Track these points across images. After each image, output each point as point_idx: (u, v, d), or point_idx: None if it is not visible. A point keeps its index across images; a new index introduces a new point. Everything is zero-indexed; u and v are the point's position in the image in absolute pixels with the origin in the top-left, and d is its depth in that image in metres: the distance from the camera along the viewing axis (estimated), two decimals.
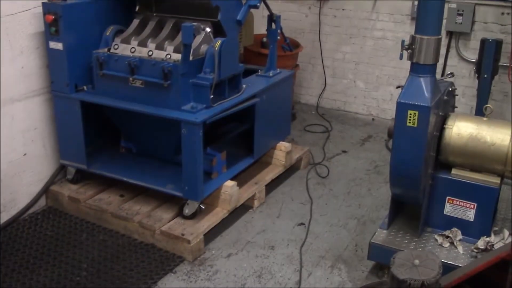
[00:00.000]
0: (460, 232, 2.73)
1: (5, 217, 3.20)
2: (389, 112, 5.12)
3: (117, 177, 3.31)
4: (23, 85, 3.18)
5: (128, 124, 3.38)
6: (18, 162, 3.24)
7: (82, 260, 2.93)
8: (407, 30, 4.81)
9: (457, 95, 2.97)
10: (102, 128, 3.58)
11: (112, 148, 3.63)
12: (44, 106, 3.34)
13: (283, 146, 3.83)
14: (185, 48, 2.90)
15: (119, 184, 3.43)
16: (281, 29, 3.79)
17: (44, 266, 2.87)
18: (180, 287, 2.77)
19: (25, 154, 3.27)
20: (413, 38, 2.49)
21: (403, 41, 2.53)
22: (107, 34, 3.23)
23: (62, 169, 3.49)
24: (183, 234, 2.97)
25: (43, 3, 3.07)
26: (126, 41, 3.19)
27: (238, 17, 3.19)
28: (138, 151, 3.54)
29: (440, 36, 2.49)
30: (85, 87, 3.25)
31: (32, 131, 3.29)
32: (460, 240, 2.72)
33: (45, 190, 3.43)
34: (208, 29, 3.06)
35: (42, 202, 3.44)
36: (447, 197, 2.74)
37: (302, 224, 3.36)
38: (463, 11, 4.42)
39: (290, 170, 3.97)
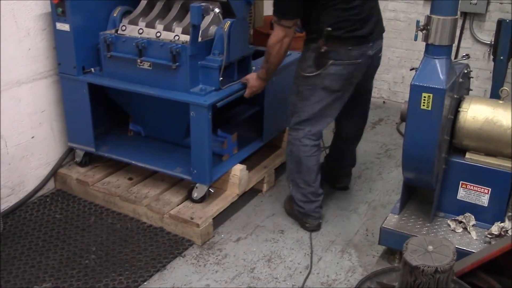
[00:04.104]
0: (473, 217, 2.69)
1: (14, 200, 3.20)
2: (401, 95, 5.05)
3: (126, 160, 3.29)
4: (30, 67, 3.15)
5: (137, 107, 3.34)
6: (26, 145, 3.22)
7: (91, 243, 2.92)
8: (420, 11, 4.71)
9: (472, 77, 2.90)
10: (110, 110, 3.55)
11: (120, 131, 3.61)
12: (52, 89, 3.31)
13: None
14: (193, 29, 2.84)
15: (128, 167, 3.41)
16: None
17: (53, 249, 2.86)
18: (189, 271, 2.75)
19: (33, 137, 3.25)
20: (428, 18, 2.42)
21: (418, 22, 2.46)
22: (115, 15, 3.18)
23: (70, 152, 3.48)
24: (192, 218, 2.94)
25: None
26: (134, 22, 3.14)
27: None
28: (147, 135, 3.51)
29: (456, 16, 2.41)
30: (92, 69, 3.21)
31: (40, 113, 3.27)
32: (473, 225, 2.67)
33: (54, 173, 3.42)
34: (217, 10, 2.99)
35: (50, 185, 3.43)
36: (461, 182, 2.68)
37: None
38: None
39: None
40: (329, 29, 2.59)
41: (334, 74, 2.72)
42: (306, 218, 3.06)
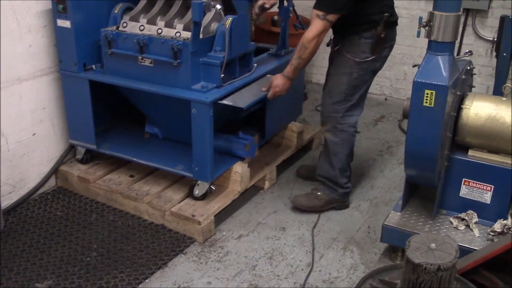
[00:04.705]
0: (476, 214, 2.68)
1: (15, 197, 3.20)
2: (403, 92, 5.04)
3: (127, 158, 3.28)
4: (31, 64, 3.14)
5: (154, 108, 3.26)
6: (27, 142, 3.21)
7: (92, 240, 2.91)
8: (422, 7, 4.69)
9: (474, 74, 2.89)
10: (111, 107, 3.55)
11: (122, 128, 3.60)
12: (53, 86, 3.30)
13: (294, 126, 3.77)
14: (195, 26, 2.83)
15: (129, 165, 3.41)
16: (293, 6, 3.70)
17: (54, 246, 2.86)
18: (190, 268, 2.75)
19: (34, 134, 3.24)
20: (431, 15, 2.40)
21: (420, 18, 2.45)
22: (116, 12, 3.16)
23: (71, 149, 3.47)
24: (193, 215, 2.94)
25: None
26: (135, 19, 3.13)
27: None
28: (164, 137, 3.42)
29: (459, 13, 2.39)
30: (93, 66, 3.20)
31: (41, 110, 3.26)
32: (476, 222, 2.66)
33: (55, 170, 3.41)
34: (218, 6, 2.98)
35: (52, 182, 3.43)
36: (463, 179, 2.67)
37: None
38: None
39: (301, 151, 3.92)
40: (387, 15, 2.84)
41: (385, 56, 3.03)
42: (348, 197, 3.30)
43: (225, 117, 3.26)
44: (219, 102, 2.91)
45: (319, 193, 3.24)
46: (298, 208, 3.23)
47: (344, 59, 2.98)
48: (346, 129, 3.09)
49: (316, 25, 2.78)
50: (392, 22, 2.94)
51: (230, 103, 2.90)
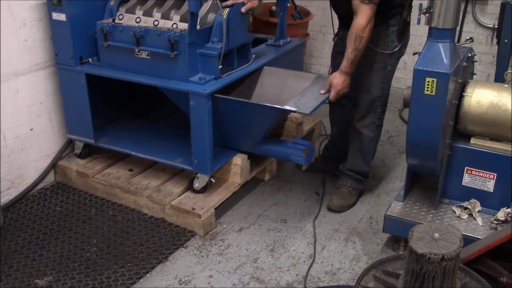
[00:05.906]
0: (479, 203, 2.65)
1: (14, 193, 3.17)
2: (403, 81, 5.00)
3: (126, 151, 3.25)
4: (27, 58, 3.10)
5: None
6: (25, 137, 3.19)
7: (92, 235, 2.89)
8: None
9: (476, 61, 2.86)
10: (110, 101, 3.51)
11: (120, 122, 3.57)
12: (49, 80, 3.27)
13: (294, 117, 3.74)
14: (191, 17, 2.79)
15: (128, 158, 3.38)
16: None
17: (53, 242, 2.84)
18: (191, 262, 2.73)
19: (31, 129, 3.22)
20: (431, 1, 2.37)
21: (420, 5, 2.41)
22: (111, 4, 3.13)
23: (69, 143, 3.44)
24: (193, 209, 2.92)
25: None
26: (131, 11, 3.09)
27: None
28: (214, 144, 3.02)
29: None
30: (90, 60, 3.17)
31: (38, 105, 3.23)
32: (479, 211, 2.64)
33: (53, 165, 3.38)
34: None
35: (50, 177, 3.40)
36: (466, 168, 2.65)
37: (316, 193, 3.32)
38: None
39: None
40: None
41: (408, 38, 3.01)
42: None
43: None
44: (281, 108, 2.80)
45: (350, 188, 3.22)
46: (338, 211, 3.15)
47: (374, 54, 2.91)
48: (381, 123, 3.12)
49: (365, 12, 2.68)
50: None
51: (294, 109, 2.79)
